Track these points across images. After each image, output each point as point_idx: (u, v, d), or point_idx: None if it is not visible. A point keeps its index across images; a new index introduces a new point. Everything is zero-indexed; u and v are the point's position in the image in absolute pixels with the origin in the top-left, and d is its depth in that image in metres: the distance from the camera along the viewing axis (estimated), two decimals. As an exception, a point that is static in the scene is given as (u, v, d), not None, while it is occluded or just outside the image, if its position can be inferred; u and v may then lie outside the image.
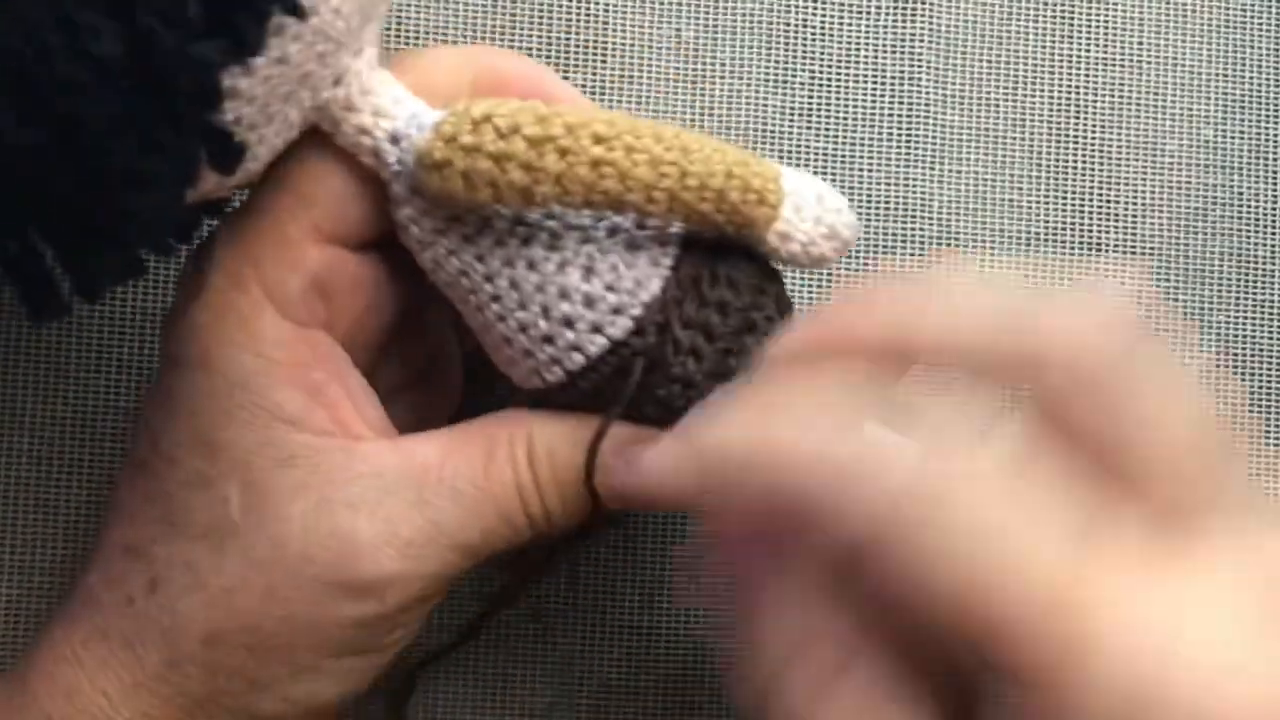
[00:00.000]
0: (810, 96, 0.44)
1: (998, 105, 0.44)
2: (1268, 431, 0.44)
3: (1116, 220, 0.44)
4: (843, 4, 0.44)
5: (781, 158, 0.43)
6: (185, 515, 0.33)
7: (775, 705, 0.29)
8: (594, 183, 0.31)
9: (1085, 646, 0.25)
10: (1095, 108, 0.44)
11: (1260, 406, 0.44)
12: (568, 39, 0.43)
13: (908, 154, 0.44)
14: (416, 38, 0.42)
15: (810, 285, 0.43)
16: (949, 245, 0.43)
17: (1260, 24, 0.45)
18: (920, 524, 0.26)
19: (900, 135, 0.44)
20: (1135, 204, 0.44)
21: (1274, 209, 0.45)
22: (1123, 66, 0.45)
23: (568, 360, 0.33)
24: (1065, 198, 0.44)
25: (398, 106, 0.32)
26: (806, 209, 0.33)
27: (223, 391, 0.33)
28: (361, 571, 0.32)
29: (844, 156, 0.44)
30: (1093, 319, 0.28)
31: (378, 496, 0.33)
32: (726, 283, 0.33)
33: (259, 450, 0.33)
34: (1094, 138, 0.44)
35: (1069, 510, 0.27)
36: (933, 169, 0.44)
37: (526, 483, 0.33)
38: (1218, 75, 0.45)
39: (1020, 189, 0.44)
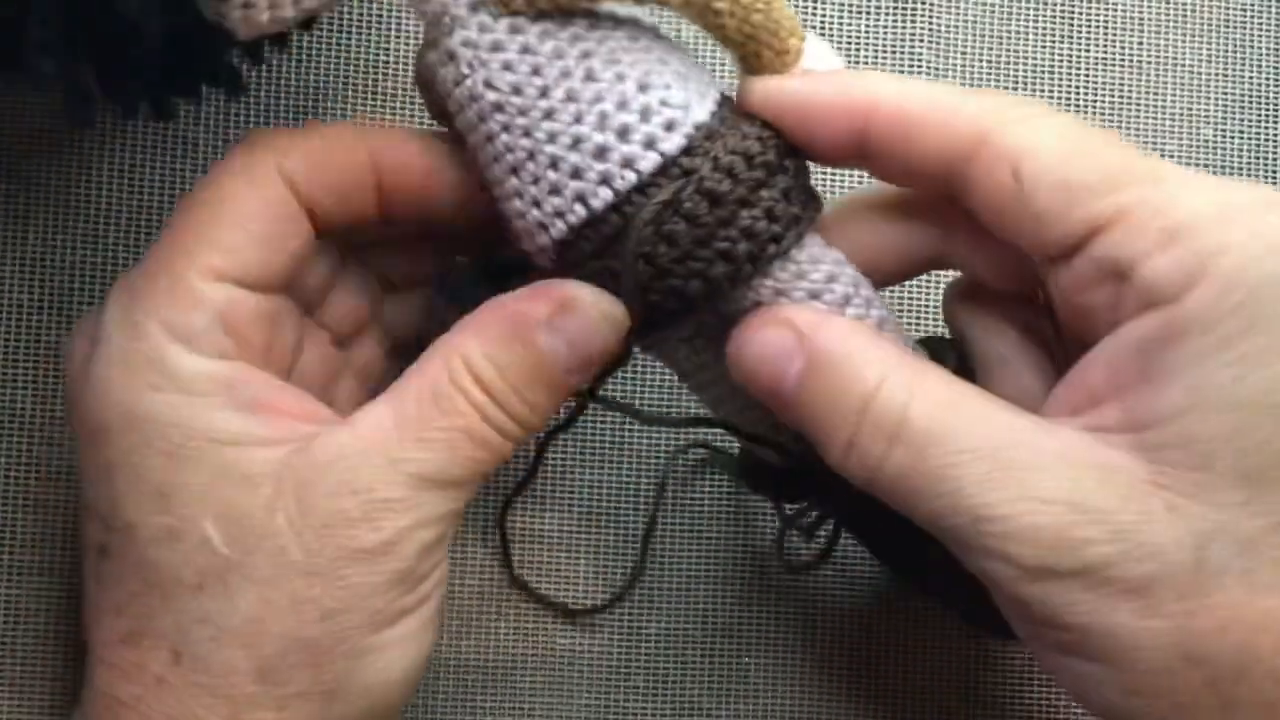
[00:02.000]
0: (810, 96, 0.44)
1: (998, 105, 0.44)
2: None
3: (1116, 220, 0.44)
4: (843, 4, 0.44)
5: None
6: (171, 574, 0.32)
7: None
8: None
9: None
10: (1095, 108, 0.44)
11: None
12: (568, 39, 0.43)
13: (908, 154, 0.44)
14: (419, 36, 0.42)
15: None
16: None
17: (1260, 23, 0.45)
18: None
19: (900, 135, 0.44)
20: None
21: (1274, 209, 0.45)
22: (1123, 66, 0.45)
23: (618, 178, 0.32)
24: (1065, 198, 0.44)
25: None
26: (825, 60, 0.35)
27: (157, 437, 0.32)
28: (366, 540, 0.32)
29: (844, 156, 0.44)
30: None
31: (351, 476, 0.32)
32: (762, 124, 0.33)
33: (217, 480, 0.32)
34: (1094, 138, 0.44)
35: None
36: (933, 169, 0.44)
37: (483, 401, 0.33)
38: (1218, 75, 0.45)
39: (1020, 189, 0.44)
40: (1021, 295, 0.35)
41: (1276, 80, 0.45)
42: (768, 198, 0.33)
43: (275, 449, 0.32)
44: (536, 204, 0.33)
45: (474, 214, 0.36)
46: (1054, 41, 0.44)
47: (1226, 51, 0.45)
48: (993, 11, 0.44)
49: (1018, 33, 0.44)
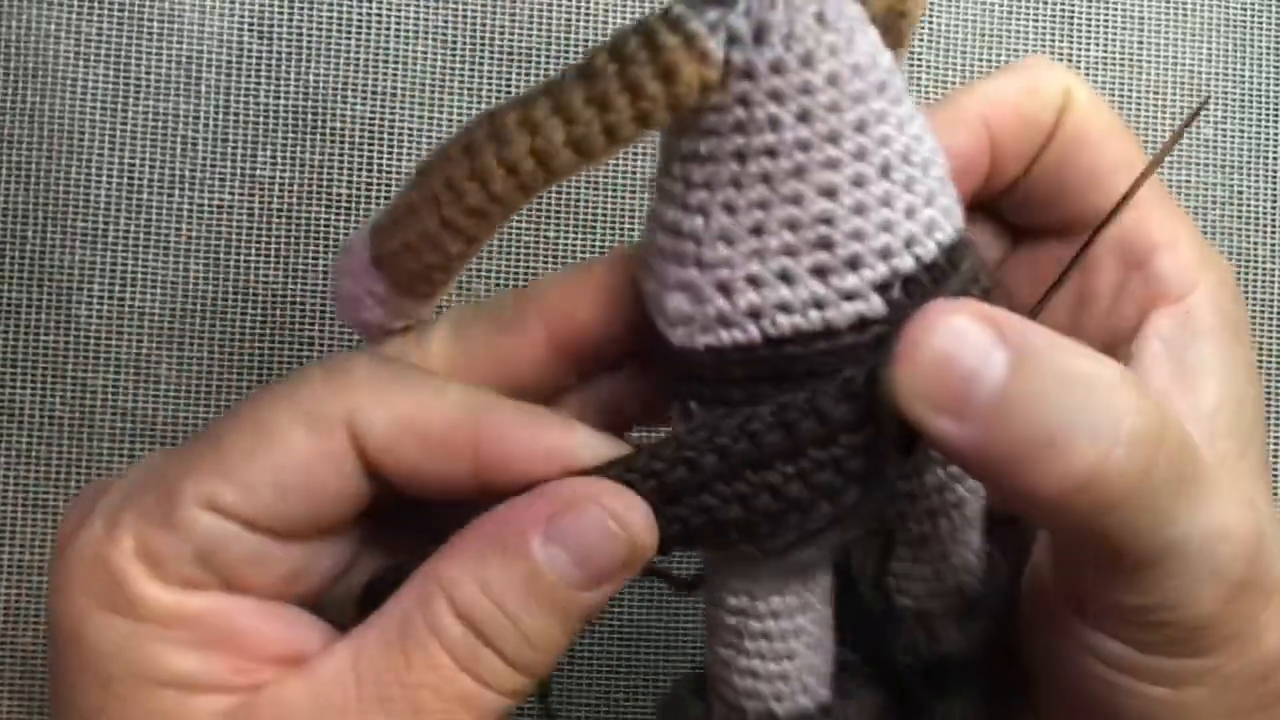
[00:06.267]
0: (810, 96, 0.44)
1: (998, 105, 0.44)
2: (1269, 431, 0.44)
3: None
4: (842, 4, 0.44)
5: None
6: None
7: None
8: None
9: None
10: (1095, 108, 0.44)
11: (1261, 406, 0.44)
12: (567, 38, 0.43)
13: (908, 154, 0.44)
14: (419, 36, 0.43)
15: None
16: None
17: (1260, 23, 0.45)
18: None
19: (900, 135, 0.44)
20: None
21: (1274, 209, 0.45)
22: (1123, 66, 0.45)
23: (921, 244, 0.27)
24: (1065, 197, 0.44)
25: None
26: None
27: (95, 664, 0.27)
28: None
29: (844, 156, 0.44)
30: None
31: None
32: None
33: None
34: (1094, 138, 0.44)
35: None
36: (933, 169, 0.44)
37: (463, 641, 0.27)
38: (1218, 75, 0.45)
39: (1020, 189, 0.44)
40: None
41: (1276, 80, 0.45)
42: None
43: (223, 698, 0.27)
44: (822, 273, 0.27)
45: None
46: (1054, 41, 0.44)
47: (1226, 51, 0.45)
48: (993, 11, 0.44)
49: (1018, 33, 0.44)
